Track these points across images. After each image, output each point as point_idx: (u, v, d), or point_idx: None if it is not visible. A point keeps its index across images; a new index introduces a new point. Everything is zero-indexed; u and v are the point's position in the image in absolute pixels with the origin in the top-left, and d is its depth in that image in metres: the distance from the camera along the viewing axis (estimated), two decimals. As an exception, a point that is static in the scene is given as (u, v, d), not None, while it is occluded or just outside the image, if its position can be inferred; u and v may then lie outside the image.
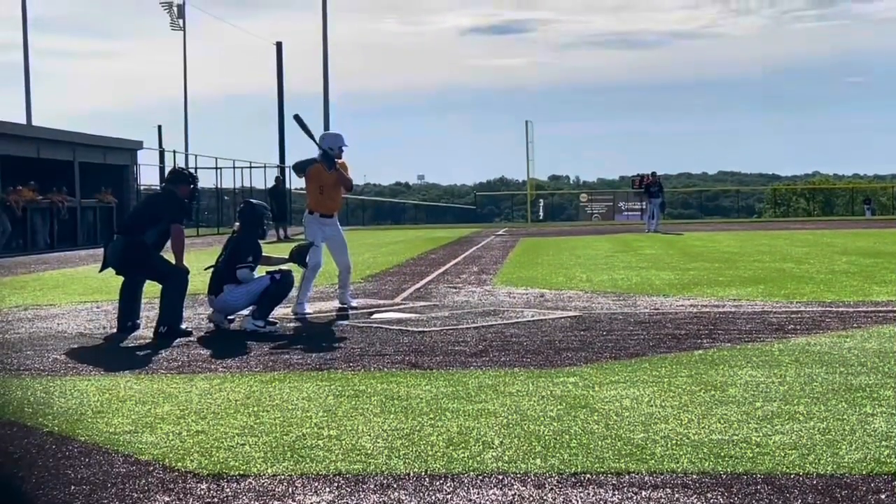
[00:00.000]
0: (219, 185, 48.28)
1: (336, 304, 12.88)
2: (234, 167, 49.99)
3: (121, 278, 10.91)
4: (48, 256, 27.78)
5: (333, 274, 13.31)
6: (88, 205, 34.61)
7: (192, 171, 11.36)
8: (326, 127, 48.89)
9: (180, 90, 60.26)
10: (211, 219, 48.81)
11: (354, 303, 13.00)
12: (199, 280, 11.48)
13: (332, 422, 6.26)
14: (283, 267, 11.23)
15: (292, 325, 11.31)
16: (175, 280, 10.52)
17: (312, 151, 12.51)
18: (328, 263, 13.03)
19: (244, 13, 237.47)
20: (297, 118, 12.57)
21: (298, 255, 11.64)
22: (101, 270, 11.02)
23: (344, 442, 5.76)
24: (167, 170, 43.96)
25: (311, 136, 12.46)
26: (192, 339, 10.18)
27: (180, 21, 58.46)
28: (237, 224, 11.33)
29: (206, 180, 52.96)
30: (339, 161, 12.41)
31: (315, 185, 12.45)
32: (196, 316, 11.82)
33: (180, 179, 11.15)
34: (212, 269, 11.11)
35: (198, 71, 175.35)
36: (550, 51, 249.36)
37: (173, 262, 10.64)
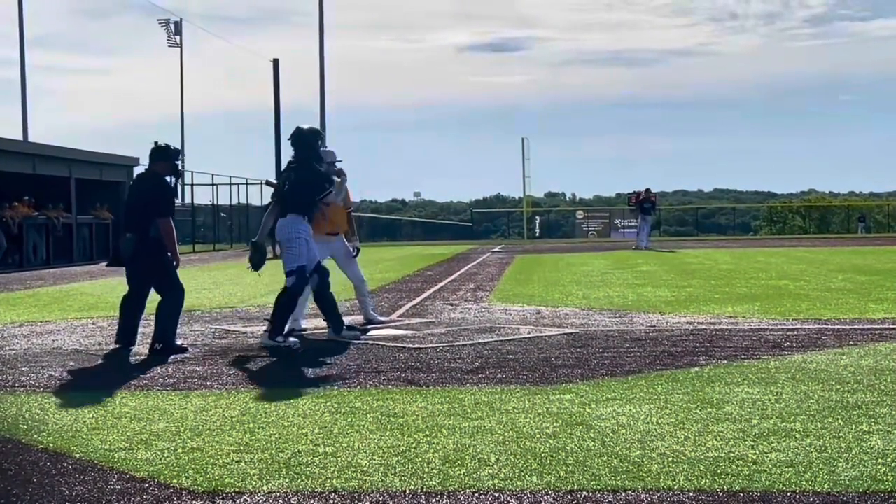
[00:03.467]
0: (215, 202, 48.33)
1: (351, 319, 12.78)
2: (230, 183, 50.08)
3: (119, 293, 10.87)
4: (44, 272, 27.76)
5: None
6: (85, 221, 34.64)
7: (172, 144, 10.91)
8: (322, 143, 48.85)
9: (177, 106, 60.33)
10: (207, 235, 48.82)
11: (382, 318, 12.99)
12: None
13: (327, 439, 6.25)
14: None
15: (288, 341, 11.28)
16: (172, 296, 10.49)
17: None
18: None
19: (241, 30, 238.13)
20: (268, 184, 12.50)
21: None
22: (109, 265, 10.81)
23: (340, 459, 5.75)
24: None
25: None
26: (187, 355, 10.15)
27: (177, 38, 58.65)
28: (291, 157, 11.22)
29: (202, 196, 53.00)
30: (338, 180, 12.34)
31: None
32: (192, 332, 11.80)
33: (160, 156, 10.74)
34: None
35: (195, 87, 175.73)
36: (547, 68, 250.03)
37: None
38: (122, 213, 10.90)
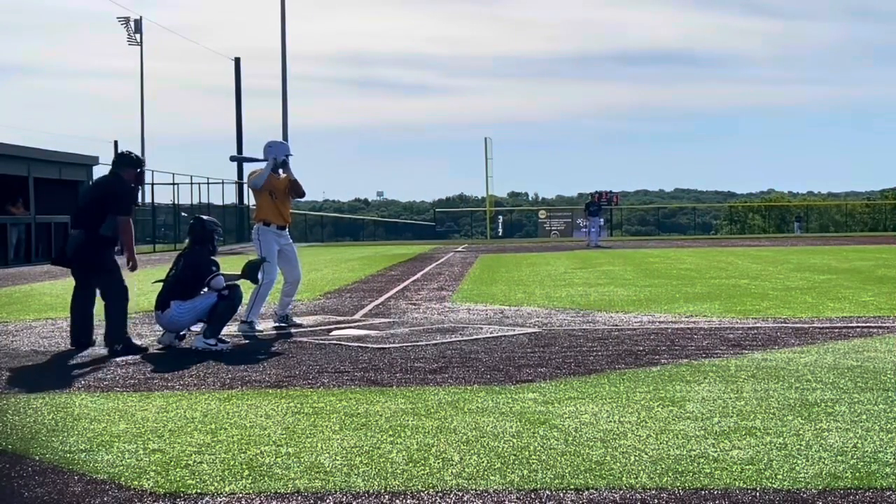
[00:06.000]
0: (176, 201, 48.01)
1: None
2: (191, 183, 49.78)
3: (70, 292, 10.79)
4: (2, 272, 27.45)
5: (298, 291, 13.17)
6: (43, 221, 34.27)
7: (137, 154, 11.08)
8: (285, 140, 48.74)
9: (137, 105, 59.87)
10: (168, 235, 48.50)
11: (299, 319, 12.85)
12: (154, 297, 11.34)
13: (290, 439, 6.22)
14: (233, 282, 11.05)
15: (246, 342, 11.23)
16: (116, 298, 10.39)
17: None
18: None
19: (202, 29, 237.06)
20: (232, 158, 12.69)
21: (251, 271, 11.47)
22: (54, 262, 10.85)
23: (302, 459, 5.72)
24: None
25: (253, 160, 12.51)
26: (147, 354, 10.08)
27: (137, 36, 58.20)
28: (188, 240, 11.24)
29: (163, 196, 52.66)
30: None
31: (265, 192, 12.33)
32: (155, 333, 11.71)
33: (126, 162, 10.83)
34: (161, 284, 11.01)
35: (155, 86, 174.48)
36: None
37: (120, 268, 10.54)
38: (73, 211, 10.85)
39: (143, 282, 10.83)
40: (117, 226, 10.47)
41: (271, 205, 12.33)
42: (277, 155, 12.34)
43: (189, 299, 10.66)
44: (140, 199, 42.69)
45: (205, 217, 11.52)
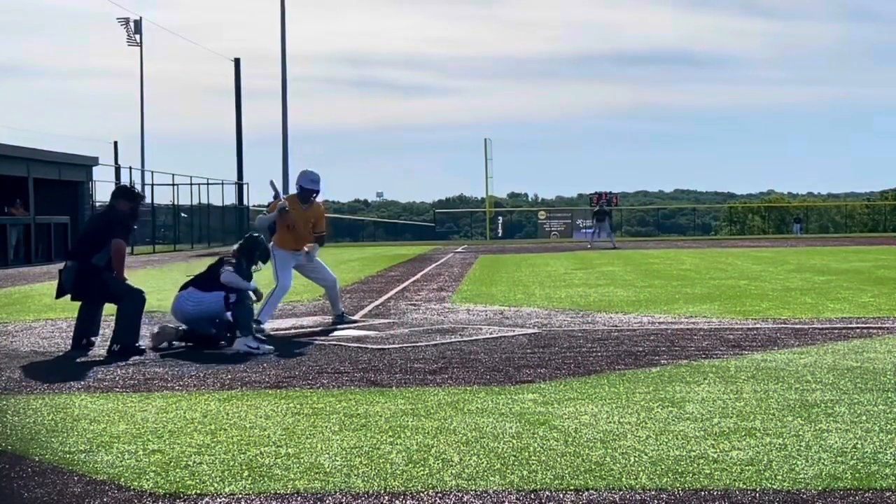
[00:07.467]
0: (175, 202, 47.99)
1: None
2: (191, 183, 49.76)
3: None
4: (2, 273, 27.45)
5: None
6: (43, 221, 34.27)
7: (138, 188, 11.37)
8: (285, 145, 48.81)
9: (137, 106, 59.84)
10: (168, 235, 48.49)
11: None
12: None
13: (290, 440, 6.22)
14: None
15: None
16: (130, 299, 10.45)
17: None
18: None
19: (202, 29, 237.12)
20: (272, 184, 12.86)
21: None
22: (57, 297, 10.94)
23: (302, 460, 5.72)
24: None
25: (276, 199, 12.62)
26: (148, 357, 10.08)
27: (137, 37, 58.15)
28: (235, 248, 11.36)
29: (162, 196, 52.64)
30: (316, 201, 12.60)
31: (284, 225, 12.41)
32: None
33: (121, 195, 11.18)
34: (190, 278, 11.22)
35: (155, 87, 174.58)
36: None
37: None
38: (73, 243, 11.14)
39: (148, 283, 10.83)
40: (110, 254, 10.58)
41: (287, 235, 12.47)
42: (302, 183, 12.42)
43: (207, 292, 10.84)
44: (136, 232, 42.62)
45: (259, 236, 11.66)
